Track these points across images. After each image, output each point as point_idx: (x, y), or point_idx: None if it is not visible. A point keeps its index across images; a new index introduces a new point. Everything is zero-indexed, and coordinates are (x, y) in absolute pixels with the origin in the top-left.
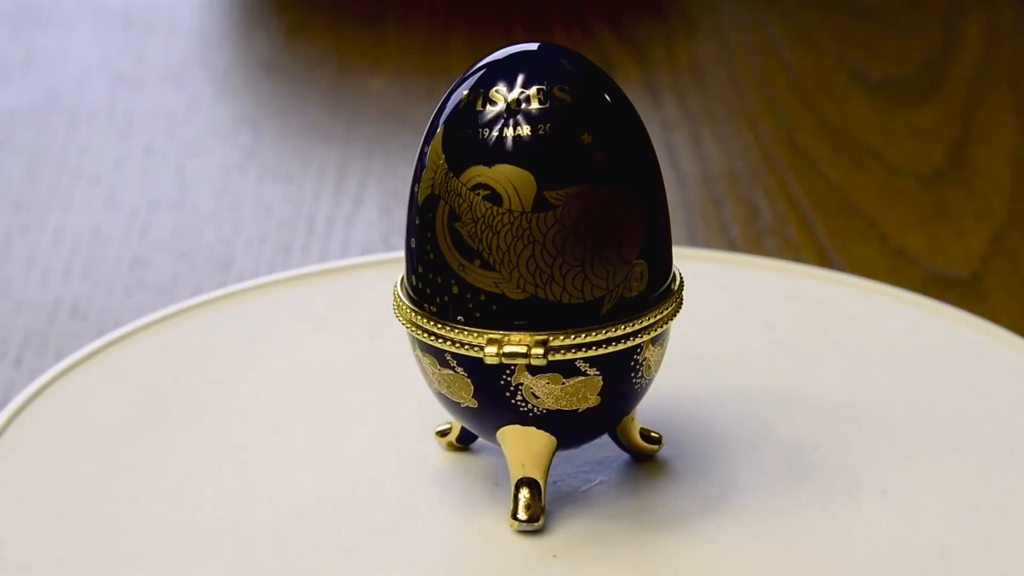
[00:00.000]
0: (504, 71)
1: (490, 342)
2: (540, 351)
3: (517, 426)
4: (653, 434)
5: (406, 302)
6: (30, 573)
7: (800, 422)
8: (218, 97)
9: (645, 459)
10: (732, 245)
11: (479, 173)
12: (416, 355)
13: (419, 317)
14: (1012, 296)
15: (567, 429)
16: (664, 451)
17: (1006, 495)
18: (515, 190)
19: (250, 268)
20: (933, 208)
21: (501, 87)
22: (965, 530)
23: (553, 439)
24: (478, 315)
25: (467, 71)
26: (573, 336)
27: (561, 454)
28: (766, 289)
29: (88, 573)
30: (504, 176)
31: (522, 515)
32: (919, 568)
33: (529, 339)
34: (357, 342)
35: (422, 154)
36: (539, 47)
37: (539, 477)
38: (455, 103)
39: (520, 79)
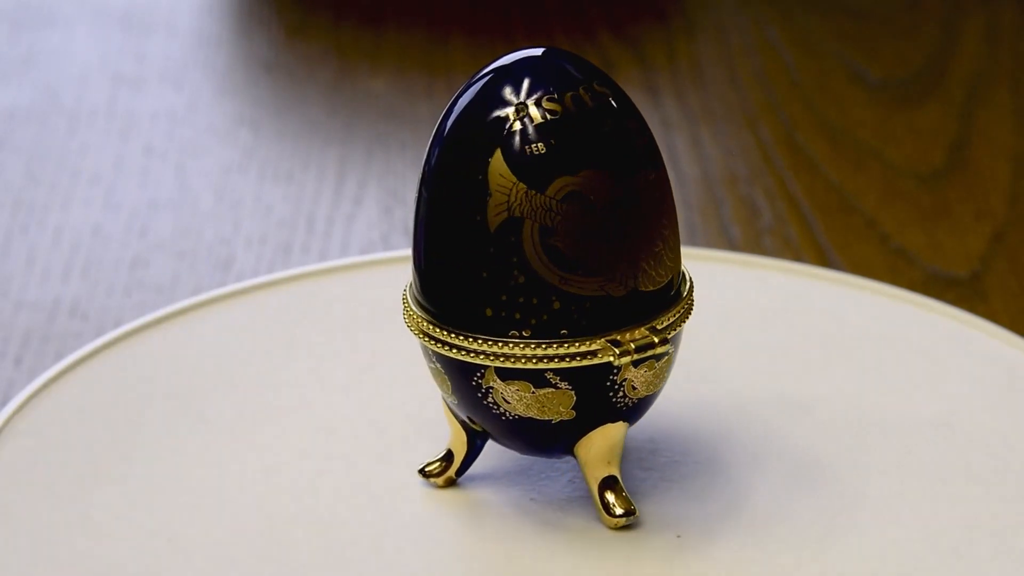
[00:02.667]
0: (536, 77)
1: (613, 344)
2: (657, 338)
3: (608, 425)
4: (618, 508)
5: (479, 336)
6: (30, 573)
7: (800, 422)
8: (218, 97)
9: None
10: (732, 245)
11: (566, 183)
12: (491, 386)
13: (507, 346)
14: (1012, 296)
15: (639, 414)
16: (665, 454)
17: (1007, 495)
18: (601, 191)
19: (250, 268)
20: (933, 208)
21: (544, 94)
22: (966, 531)
23: (627, 426)
24: (584, 323)
25: (481, 83)
26: (669, 317)
27: (562, 466)
28: (766, 289)
29: (88, 573)
30: (588, 181)
31: (619, 510)
32: (918, 568)
33: (644, 331)
34: (357, 342)
35: (482, 181)
36: (544, 52)
37: (616, 471)
38: (500, 122)
39: (555, 83)
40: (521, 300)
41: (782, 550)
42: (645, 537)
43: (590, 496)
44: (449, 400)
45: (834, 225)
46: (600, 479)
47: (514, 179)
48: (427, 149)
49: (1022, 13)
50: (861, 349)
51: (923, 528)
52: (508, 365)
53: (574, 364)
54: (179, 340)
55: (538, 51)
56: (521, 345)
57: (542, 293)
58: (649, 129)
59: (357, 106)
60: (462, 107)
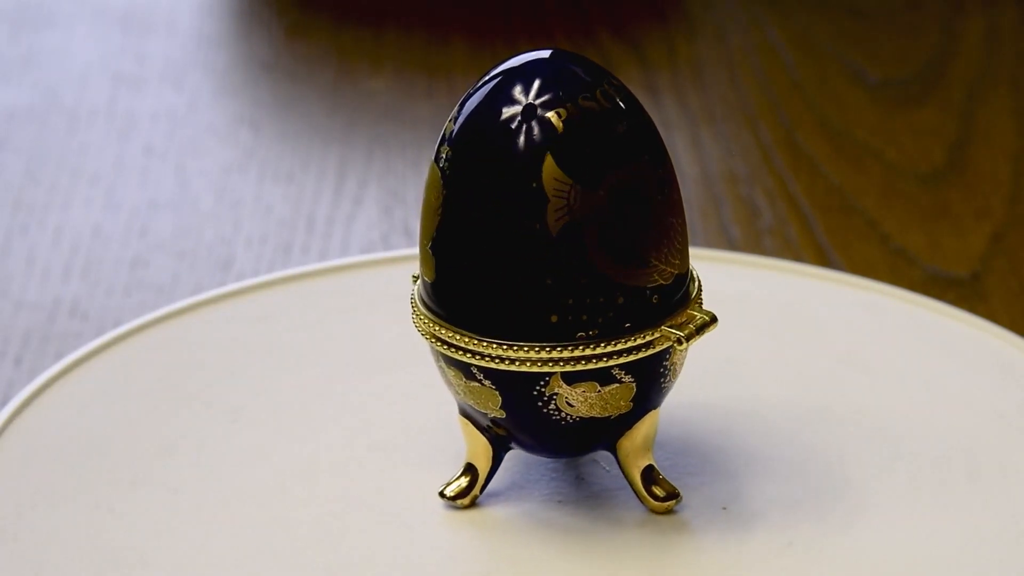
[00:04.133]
0: (561, 79)
1: (677, 327)
2: (708, 316)
3: (651, 412)
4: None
5: (543, 344)
6: (30, 572)
7: (799, 422)
8: (218, 97)
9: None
10: (732, 245)
11: (616, 180)
12: (555, 392)
13: (576, 349)
14: (1012, 296)
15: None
16: (664, 454)
17: (1007, 495)
18: (645, 182)
19: (250, 268)
20: (933, 208)
21: (576, 95)
22: (967, 531)
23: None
24: (644, 313)
25: (490, 85)
26: (703, 299)
27: (568, 460)
28: (766, 289)
29: (88, 572)
30: (633, 174)
31: (661, 492)
32: (918, 568)
33: (698, 309)
34: (357, 342)
35: (518, 191)
36: (551, 53)
37: (652, 459)
38: (543, 126)
39: (580, 82)
40: (588, 300)
41: (781, 549)
42: (645, 536)
43: (586, 495)
44: (491, 415)
45: (834, 225)
46: (641, 468)
47: (570, 180)
48: (446, 156)
49: (1022, 13)
50: (861, 349)
51: (923, 528)
52: (580, 368)
53: (639, 356)
54: (179, 340)
55: (545, 53)
56: (592, 346)
57: (608, 292)
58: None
59: (357, 106)
60: (476, 111)
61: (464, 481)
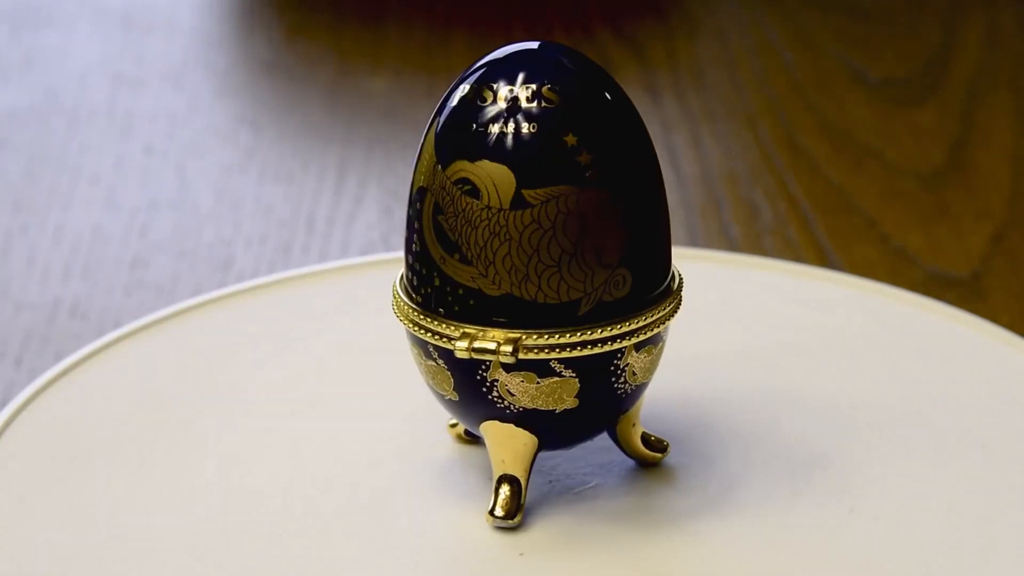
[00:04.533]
0: (502, 69)
1: (463, 336)
2: (509, 348)
3: (497, 422)
4: (655, 440)
5: (400, 293)
6: (31, 572)
7: (800, 422)
8: (218, 97)
9: (650, 465)
10: (732, 245)
11: (462, 168)
12: (409, 343)
13: (406, 308)
14: (1012, 296)
15: (547, 429)
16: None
17: (1006, 495)
18: (494, 186)
19: (250, 268)
20: (933, 208)
21: (496, 85)
22: (965, 530)
23: (534, 438)
24: (456, 309)
25: (469, 68)
26: (547, 336)
27: (564, 454)
28: (766, 289)
29: (88, 572)
30: (485, 172)
31: (499, 511)
32: (919, 568)
33: (501, 336)
34: (357, 342)
35: (421, 147)
36: (540, 45)
37: (520, 475)
38: (452, 99)
39: (518, 78)
40: (417, 267)
41: (781, 549)
42: (643, 531)
43: (578, 488)
44: (447, 396)
45: (834, 225)
46: (497, 474)
47: (433, 151)
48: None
49: (1022, 13)
50: (861, 349)
51: (922, 528)
52: (406, 326)
53: (439, 344)
54: (179, 340)
55: (534, 44)
56: (409, 310)
57: (428, 266)
58: (593, 153)
59: (357, 106)
60: (447, 94)
61: (506, 491)
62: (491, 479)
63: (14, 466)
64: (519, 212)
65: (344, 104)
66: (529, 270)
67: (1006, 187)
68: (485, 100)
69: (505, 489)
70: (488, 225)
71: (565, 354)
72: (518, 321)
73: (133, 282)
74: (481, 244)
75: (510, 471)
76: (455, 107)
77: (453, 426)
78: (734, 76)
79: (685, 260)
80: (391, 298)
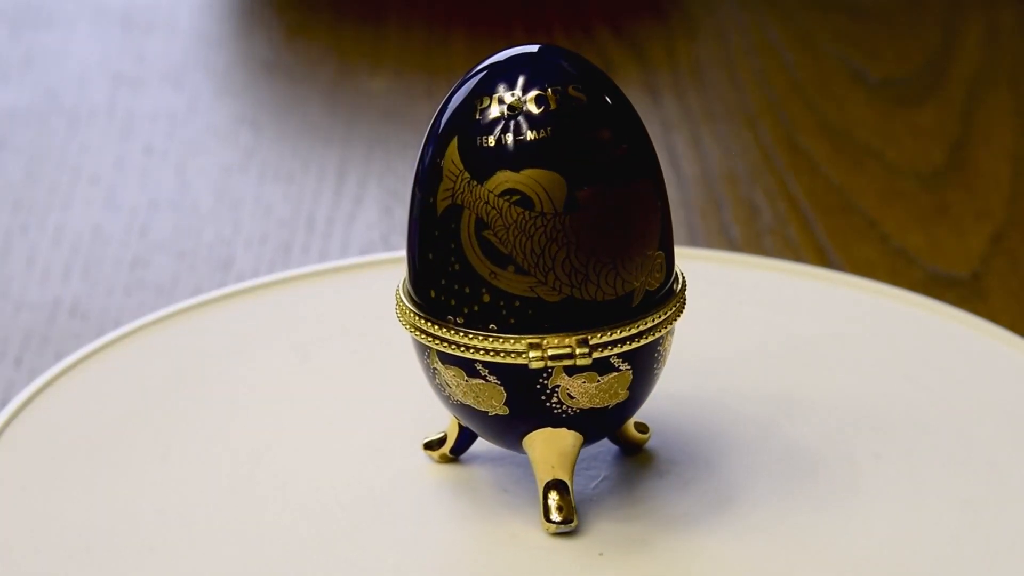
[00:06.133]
0: (510, 74)
1: (531, 347)
2: (585, 350)
3: (548, 429)
4: (638, 424)
5: (422, 315)
6: (30, 572)
7: (800, 422)
8: (218, 97)
9: (635, 451)
10: (732, 245)
11: (506, 179)
12: (434, 368)
13: (442, 329)
14: (1012, 296)
15: (595, 426)
16: (663, 451)
17: (1006, 495)
18: (545, 192)
19: (250, 268)
20: (933, 208)
21: (512, 90)
22: (965, 530)
23: (580, 437)
24: (513, 321)
25: (468, 74)
26: (609, 333)
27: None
28: (766, 289)
29: (88, 572)
30: (532, 179)
31: (556, 517)
32: (919, 568)
33: (571, 339)
34: (357, 342)
35: (433, 165)
36: (539, 49)
37: (567, 477)
38: (466, 110)
39: (529, 81)
40: (456, 287)
41: (780, 549)
42: (642, 534)
43: (583, 490)
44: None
45: (834, 225)
46: (545, 481)
47: (462, 167)
48: (425, 157)
49: (1022, 13)
50: (861, 349)
51: (922, 528)
52: (443, 349)
53: (496, 360)
54: (179, 340)
55: (534, 48)
56: (453, 332)
57: (474, 284)
58: (625, 145)
59: (357, 106)
60: (445, 100)
61: (555, 497)
62: (504, 490)
63: (14, 466)
64: (574, 214)
65: (344, 104)
66: (589, 270)
67: (1006, 187)
68: (515, 109)
69: (554, 495)
70: (544, 232)
71: (626, 348)
72: (577, 323)
73: (133, 282)
74: (538, 252)
75: (558, 475)
76: (475, 119)
77: (432, 447)
78: (734, 76)
79: (685, 260)
80: (403, 321)
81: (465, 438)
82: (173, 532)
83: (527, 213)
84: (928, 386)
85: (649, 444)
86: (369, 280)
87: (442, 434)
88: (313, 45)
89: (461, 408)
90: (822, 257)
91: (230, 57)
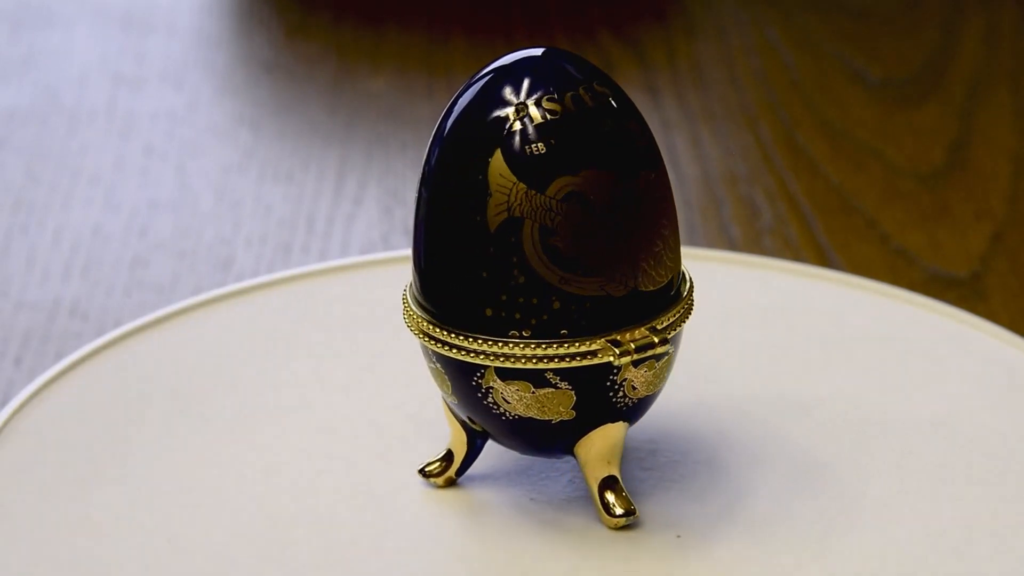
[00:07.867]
0: (533, 76)
1: (613, 344)
2: (658, 338)
3: (608, 425)
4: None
5: (476, 336)
6: (31, 572)
7: (800, 422)
8: (218, 97)
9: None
10: (732, 245)
11: (566, 183)
12: (488, 387)
13: (506, 346)
14: (1012, 296)
15: (640, 413)
16: (665, 454)
17: (1006, 495)
18: (602, 191)
19: (250, 268)
20: (933, 208)
21: (544, 94)
22: (968, 532)
23: (625, 424)
24: (584, 323)
25: (475, 79)
26: (669, 317)
27: (555, 467)
28: (766, 289)
29: (88, 572)
30: (589, 180)
31: (619, 510)
32: (926, 570)
33: (643, 330)
34: (357, 342)
35: (473, 182)
36: (544, 51)
37: (617, 471)
38: (497, 121)
39: (560, 82)
40: (521, 300)
41: (782, 550)
42: (645, 537)
43: (590, 496)
44: (449, 400)
45: (834, 225)
46: (600, 479)
47: (514, 179)
48: (427, 149)
49: (1022, 13)
50: (861, 349)
51: (923, 528)
52: (508, 365)
53: (574, 364)
54: (179, 340)
55: (538, 51)
56: (521, 345)
57: (542, 293)
58: (649, 130)
59: (357, 106)
60: (462, 107)
61: (442, 464)
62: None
63: (14, 466)
64: (626, 208)
65: (344, 104)
66: (648, 262)
67: (1006, 187)
68: (555, 113)
69: (609, 494)
70: (606, 231)
71: (679, 329)
72: (640, 314)
73: (133, 282)
74: (604, 250)
75: (611, 471)
76: (521, 130)
77: (435, 474)
78: (734, 76)
79: (685, 260)
80: (454, 355)
81: (473, 457)
82: (173, 532)
83: (590, 214)
84: (928, 386)
85: (648, 446)
86: (369, 280)
87: (440, 458)
88: (313, 45)
89: (516, 423)
90: (822, 257)
91: (230, 57)
